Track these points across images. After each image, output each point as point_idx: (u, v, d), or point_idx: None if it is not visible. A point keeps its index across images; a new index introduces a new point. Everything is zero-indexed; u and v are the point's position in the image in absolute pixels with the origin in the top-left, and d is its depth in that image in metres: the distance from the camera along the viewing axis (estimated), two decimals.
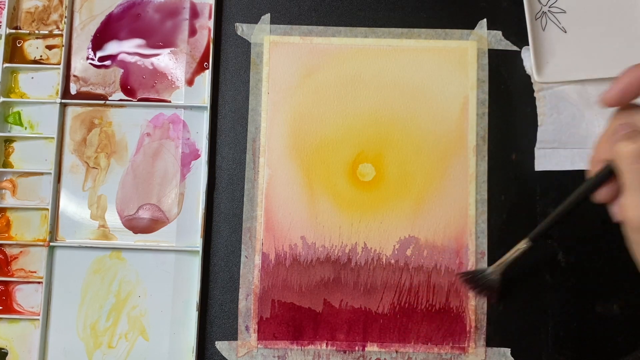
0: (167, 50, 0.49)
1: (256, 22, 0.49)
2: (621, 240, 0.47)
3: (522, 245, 0.41)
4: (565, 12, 0.48)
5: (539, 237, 0.39)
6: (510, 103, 0.48)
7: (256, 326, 0.46)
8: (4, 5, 0.49)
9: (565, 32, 0.47)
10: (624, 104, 0.32)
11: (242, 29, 0.49)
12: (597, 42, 0.47)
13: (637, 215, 0.30)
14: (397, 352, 0.46)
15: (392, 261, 0.46)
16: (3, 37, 0.48)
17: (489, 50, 0.48)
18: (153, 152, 0.48)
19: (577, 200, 0.35)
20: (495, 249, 0.46)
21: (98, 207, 0.47)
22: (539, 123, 0.47)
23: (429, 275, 0.46)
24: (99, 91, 0.49)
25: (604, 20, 0.47)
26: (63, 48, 0.48)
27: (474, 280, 0.44)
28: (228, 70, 0.49)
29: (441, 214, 0.47)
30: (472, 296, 0.46)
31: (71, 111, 0.48)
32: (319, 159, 0.47)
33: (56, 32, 0.49)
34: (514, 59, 0.48)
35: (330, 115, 0.48)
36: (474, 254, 0.46)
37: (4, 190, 0.48)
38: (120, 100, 0.48)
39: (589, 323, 0.45)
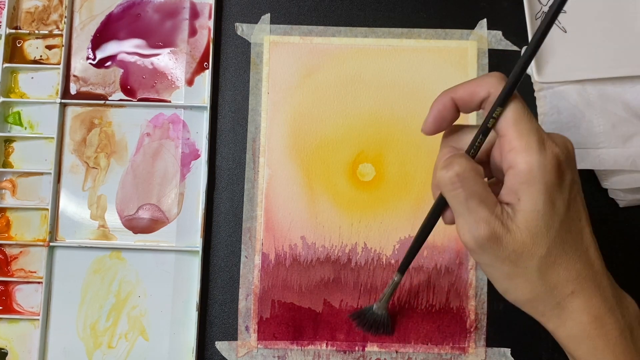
0: (167, 50, 0.49)
1: (256, 22, 0.49)
2: (620, 241, 0.47)
3: (395, 278, 0.41)
4: (565, 12, 0.48)
5: (405, 268, 0.40)
6: None
7: (256, 326, 0.46)
8: (4, 5, 0.49)
9: (565, 32, 0.47)
10: (442, 130, 0.33)
11: (242, 29, 0.49)
12: (597, 42, 0.47)
13: (467, 239, 0.30)
14: (397, 352, 0.46)
15: (392, 261, 0.46)
16: (3, 37, 0.48)
17: (489, 50, 0.48)
18: (153, 152, 0.48)
19: (428, 228, 0.36)
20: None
21: (98, 207, 0.47)
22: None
23: (429, 276, 0.46)
24: (99, 91, 0.49)
25: (604, 20, 0.47)
26: (63, 48, 0.48)
27: (364, 319, 0.44)
28: (228, 70, 0.49)
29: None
30: (472, 296, 0.46)
31: (71, 111, 0.48)
32: (319, 159, 0.47)
33: (56, 32, 0.49)
34: (514, 59, 0.48)
35: (330, 115, 0.48)
36: None
37: (3, 190, 0.48)
38: (120, 100, 0.48)
39: None
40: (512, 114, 0.30)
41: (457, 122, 0.34)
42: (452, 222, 0.33)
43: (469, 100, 0.32)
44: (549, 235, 0.30)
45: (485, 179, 0.32)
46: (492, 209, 0.30)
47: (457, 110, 0.32)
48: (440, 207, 0.34)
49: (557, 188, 0.29)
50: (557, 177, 0.29)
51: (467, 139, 0.32)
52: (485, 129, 0.31)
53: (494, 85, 0.31)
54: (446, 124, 0.33)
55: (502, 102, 0.30)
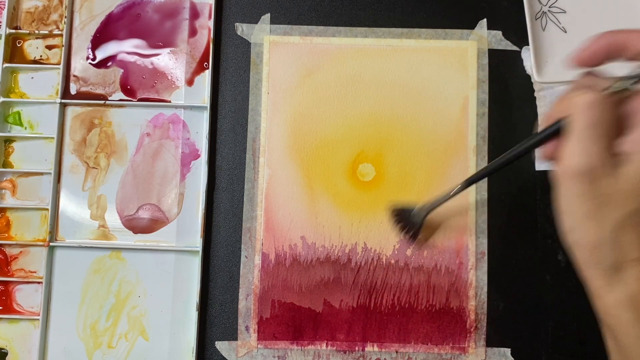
0: (167, 50, 0.49)
1: (256, 22, 0.49)
2: None
3: (456, 189, 0.40)
4: (565, 12, 0.48)
5: (472, 182, 0.39)
6: (510, 103, 0.48)
7: (256, 326, 0.46)
8: (4, 5, 0.49)
9: (565, 32, 0.47)
10: (593, 65, 0.33)
11: (242, 29, 0.49)
12: None
13: (575, 162, 0.30)
14: (397, 352, 0.46)
15: (392, 261, 0.46)
16: (3, 37, 0.48)
17: (489, 50, 0.48)
18: (153, 152, 0.48)
19: (524, 150, 0.36)
20: (495, 249, 0.46)
21: (98, 207, 0.47)
22: (539, 123, 0.47)
23: (429, 276, 0.46)
24: (99, 91, 0.49)
25: (604, 20, 0.47)
26: (63, 48, 0.48)
27: (400, 217, 0.43)
28: (228, 70, 0.49)
29: (441, 214, 0.46)
30: (472, 296, 0.46)
31: (71, 111, 0.48)
32: (319, 159, 0.47)
33: (56, 32, 0.49)
34: (514, 59, 0.48)
35: (330, 115, 0.48)
36: (474, 254, 0.46)
37: (4, 190, 0.48)
38: (120, 100, 0.48)
39: (589, 323, 0.45)
40: None
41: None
42: (550, 155, 0.33)
43: (635, 46, 0.32)
44: None
45: None
46: (610, 147, 0.30)
47: (613, 53, 0.32)
48: (548, 135, 0.33)
49: None
50: None
51: (604, 84, 0.32)
52: (635, 78, 0.31)
53: None
54: (597, 62, 0.33)
55: None
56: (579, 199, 0.31)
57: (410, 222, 0.43)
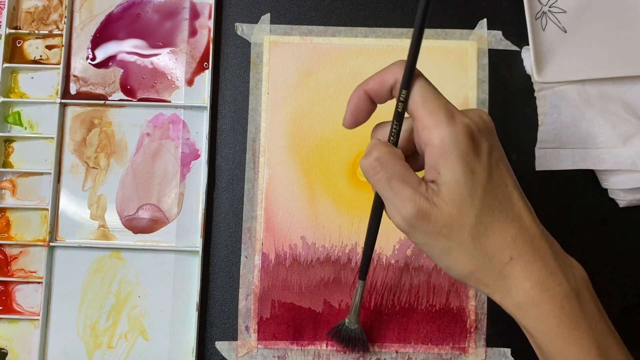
0: (167, 50, 0.49)
1: (256, 22, 0.49)
2: (620, 241, 0.47)
3: (357, 287, 0.41)
4: (565, 12, 0.48)
5: (366, 274, 0.40)
6: (510, 103, 0.48)
7: (256, 326, 0.46)
8: (4, 5, 0.49)
9: (565, 32, 0.47)
10: (361, 123, 0.34)
11: (242, 29, 0.49)
12: (597, 42, 0.47)
13: (398, 220, 0.31)
14: (397, 352, 0.46)
15: (392, 261, 0.46)
16: (3, 37, 0.48)
17: (489, 50, 0.48)
18: (153, 152, 0.48)
19: (374, 227, 0.37)
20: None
21: (98, 207, 0.47)
22: (539, 123, 0.47)
23: (429, 276, 0.46)
24: (99, 91, 0.49)
25: (604, 20, 0.47)
26: (63, 48, 0.48)
27: (340, 335, 0.43)
28: (228, 70, 0.49)
29: None
30: (472, 296, 0.46)
31: (71, 111, 0.48)
32: (319, 159, 0.47)
33: (56, 32, 0.49)
34: (514, 59, 0.48)
35: (330, 115, 0.48)
36: None
37: (3, 190, 0.48)
38: (120, 100, 0.48)
39: None
40: (418, 94, 0.31)
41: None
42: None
43: (380, 89, 0.33)
44: (474, 203, 0.30)
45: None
46: (416, 188, 0.30)
47: (372, 101, 0.33)
48: (380, 202, 0.34)
49: (474, 156, 0.30)
50: (471, 145, 0.30)
51: (384, 132, 0.34)
52: (397, 114, 0.32)
53: (398, 70, 0.31)
54: (363, 116, 0.34)
55: (406, 84, 0.31)
56: (428, 244, 0.31)
57: (352, 337, 0.43)
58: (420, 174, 0.32)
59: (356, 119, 0.34)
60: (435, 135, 0.30)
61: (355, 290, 0.42)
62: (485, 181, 0.30)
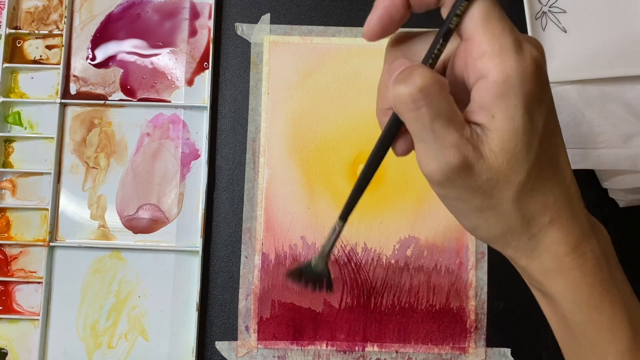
0: (167, 50, 0.49)
1: (256, 22, 0.49)
2: (620, 241, 0.47)
3: (336, 227, 0.33)
4: (565, 12, 0.48)
5: (347, 215, 0.32)
6: None
7: (256, 326, 0.46)
8: (4, 5, 0.49)
9: (565, 32, 0.47)
10: (388, 34, 0.28)
11: (242, 29, 0.49)
12: (597, 42, 0.47)
13: (432, 169, 0.25)
14: (397, 352, 0.46)
15: (392, 261, 0.46)
16: (3, 37, 0.48)
17: None
18: (153, 152, 0.48)
19: (375, 163, 0.29)
20: (495, 249, 0.46)
21: (98, 207, 0.47)
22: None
23: (429, 276, 0.46)
24: (99, 91, 0.49)
25: (604, 20, 0.47)
26: (63, 48, 0.48)
27: (301, 276, 0.37)
28: (228, 70, 0.49)
29: (441, 214, 0.46)
30: (472, 296, 0.46)
31: (71, 111, 0.48)
32: (319, 159, 0.47)
33: (56, 32, 0.49)
34: None
35: (330, 115, 0.48)
36: (474, 254, 0.46)
37: (3, 190, 0.48)
38: (120, 100, 0.48)
39: None
40: (480, 9, 0.24)
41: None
42: (405, 153, 0.28)
43: None
44: (528, 157, 0.25)
45: None
46: (462, 132, 0.24)
47: (408, 7, 0.27)
48: (391, 135, 0.27)
49: (537, 100, 0.24)
50: (537, 86, 0.24)
51: (420, 48, 0.27)
52: (447, 31, 0.25)
53: None
54: (393, 26, 0.27)
55: None
56: (460, 200, 0.26)
57: (317, 275, 0.39)
58: None
59: (384, 28, 0.27)
60: (497, 67, 0.23)
61: (330, 230, 0.33)
62: (542, 132, 0.25)
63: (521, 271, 0.29)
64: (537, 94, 0.24)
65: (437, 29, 0.26)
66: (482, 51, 0.24)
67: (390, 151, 0.29)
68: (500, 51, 0.24)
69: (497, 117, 0.24)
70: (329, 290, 0.38)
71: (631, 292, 0.28)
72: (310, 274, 0.36)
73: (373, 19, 0.27)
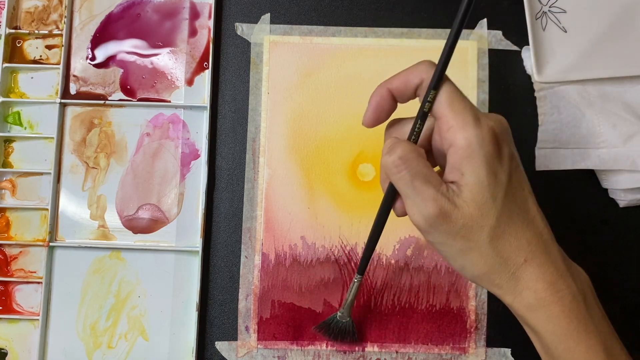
0: (167, 50, 0.49)
1: (256, 22, 0.49)
2: (620, 241, 0.47)
3: (355, 281, 0.41)
4: (565, 12, 0.48)
5: (364, 269, 0.40)
6: (510, 103, 0.48)
7: (256, 326, 0.46)
8: (4, 5, 0.49)
9: (565, 32, 0.47)
10: (381, 122, 0.34)
11: (242, 28, 0.49)
12: (597, 42, 0.47)
13: (418, 219, 0.31)
14: (397, 352, 0.46)
15: (392, 261, 0.46)
16: (3, 37, 0.48)
17: (489, 50, 0.48)
18: (153, 152, 0.48)
19: (381, 222, 0.37)
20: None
21: (98, 207, 0.47)
22: (539, 123, 0.47)
23: (429, 276, 0.46)
24: (99, 91, 0.48)
25: (604, 20, 0.47)
26: (63, 48, 0.48)
27: (329, 329, 0.44)
28: (228, 70, 0.49)
29: None
30: (472, 296, 0.46)
31: (71, 111, 0.48)
32: (319, 159, 0.47)
33: (56, 32, 0.49)
34: (514, 59, 0.48)
35: (330, 115, 0.48)
36: None
37: (3, 190, 0.48)
38: (120, 100, 0.48)
39: None
40: (445, 95, 0.31)
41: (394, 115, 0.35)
42: (403, 214, 0.34)
43: (404, 89, 0.33)
44: (495, 205, 0.30)
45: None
46: (438, 187, 0.31)
47: (394, 100, 0.34)
48: (390, 199, 0.34)
49: (497, 159, 0.30)
50: (495, 148, 0.30)
51: (407, 129, 0.34)
52: (422, 114, 0.32)
53: (426, 71, 0.32)
54: (385, 115, 0.34)
55: (435, 85, 0.31)
56: (445, 244, 0.32)
57: (342, 329, 0.44)
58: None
59: (378, 118, 0.34)
60: (461, 136, 0.30)
61: (351, 284, 0.42)
62: (506, 185, 0.31)
63: (510, 308, 0.33)
64: (496, 155, 0.30)
65: (415, 117, 0.33)
66: (450, 125, 0.31)
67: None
68: (463, 124, 0.30)
69: (465, 174, 0.30)
70: (355, 341, 0.45)
71: (609, 327, 0.32)
72: (337, 327, 0.44)
73: (369, 111, 0.34)
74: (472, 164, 0.30)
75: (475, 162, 0.30)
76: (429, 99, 0.32)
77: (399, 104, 0.34)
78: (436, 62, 0.32)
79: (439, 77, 0.31)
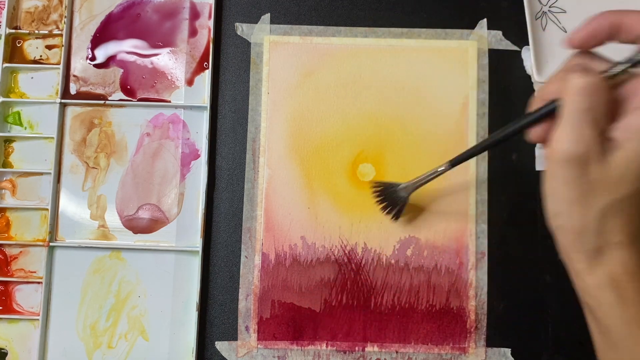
0: (167, 50, 0.49)
1: (256, 22, 0.49)
2: None
3: (442, 168, 0.40)
4: (565, 12, 0.48)
5: (458, 162, 0.39)
6: (510, 103, 0.48)
7: (256, 326, 0.46)
8: (4, 5, 0.49)
9: (565, 32, 0.47)
10: (589, 47, 0.32)
11: (242, 29, 0.49)
12: None
13: (564, 147, 0.30)
14: (397, 352, 0.46)
15: (392, 261, 0.46)
16: (3, 37, 0.48)
17: (489, 50, 0.48)
18: (153, 152, 0.48)
19: (512, 132, 0.35)
20: (495, 249, 0.46)
21: (98, 207, 0.47)
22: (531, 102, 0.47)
23: (429, 276, 0.46)
24: (99, 91, 0.48)
25: None
26: (63, 48, 0.48)
27: (385, 191, 0.43)
28: (228, 70, 0.49)
29: (441, 214, 0.46)
30: (472, 296, 0.46)
31: (71, 111, 0.48)
32: (319, 159, 0.47)
33: (56, 32, 0.49)
34: (514, 59, 0.48)
35: (330, 115, 0.48)
36: (474, 254, 0.46)
37: (3, 190, 0.48)
38: (120, 100, 0.48)
39: None
40: None
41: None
42: (538, 139, 0.33)
43: (631, 29, 0.31)
44: (635, 183, 0.30)
45: None
46: (603, 133, 0.30)
47: (609, 35, 0.32)
48: (539, 117, 0.32)
49: None
50: None
51: (599, 66, 0.32)
52: (633, 62, 0.31)
53: None
54: (594, 43, 0.32)
55: None
56: (567, 184, 0.31)
57: (395, 199, 0.43)
58: None
59: (587, 41, 0.32)
60: None
61: (435, 169, 0.41)
62: None
63: (575, 278, 0.32)
64: None
65: (614, 61, 0.32)
66: None
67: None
68: None
69: (631, 140, 0.30)
70: (395, 218, 0.44)
71: None
72: (392, 195, 0.43)
73: (583, 31, 0.32)
74: None
75: None
76: None
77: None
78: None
79: None
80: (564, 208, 0.31)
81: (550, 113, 0.32)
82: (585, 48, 0.33)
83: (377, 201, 0.44)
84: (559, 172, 0.31)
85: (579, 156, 0.30)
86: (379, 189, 0.44)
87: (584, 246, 0.31)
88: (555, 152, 0.30)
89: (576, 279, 0.32)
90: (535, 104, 0.33)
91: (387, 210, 0.44)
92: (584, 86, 0.30)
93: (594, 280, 0.31)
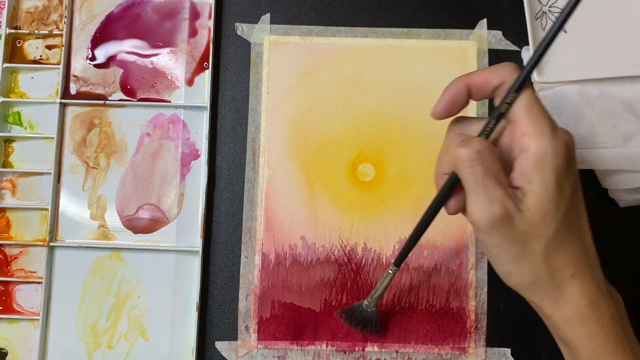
0: (167, 50, 0.49)
1: (256, 22, 0.49)
2: (621, 241, 0.47)
3: (389, 271, 0.41)
4: None
5: (401, 261, 0.40)
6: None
7: (256, 326, 0.46)
8: (4, 5, 0.49)
9: (565, 32, 0.47)
10: (451, 116, 0.34)
11: (242, 29, 0.49)
12: (597, 42, 0.47)
13: (480, 217, 0.31)
14: (397, 352, 0.46)
15: (392, 261, 0.46)
16: (3, 37, 0.48)
17: (489, 50, 0.48)
18: (153, 152, 0.48)
19: (430, 217, 0.36)
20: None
21: (98, 207, 0.47)
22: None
23: (429, 276, 0.46)
24: (99, 91, 0.49)
25: (604, 20, 0.47)
26: (63, 48, 0.48)
27: (352, 315, 0.44)
28: (228, 70, 0.49)
29: (441, 214, 0.46)
30: (472, 296, 0.46)
31: (71, 111, 0.48)
32: (319, 159, 0.47)
33: (56, 32, 0.49)
34: (514, 59, 0.48)
35: (330, 115, 0.48)
36: (474, 254, 0.46)
37: (3, 190, 0.48)
38: (120, 100, 0.48)
39: None
40: (525, 100, 0.31)
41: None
42: (455, 212, 0.34)
43: (483, 87, 0.32)
44: (556, 217, 0.31)
45: None
46: (506, 189, 0.30)
47: (468, 96, 0.33)
48: (446, 194, 0.34)
49: (565, 173, 0.30)
50: (566, 162, 0.30)
51: (474, 128, 0.33)
52: (499, 115, 0.32)
53: (508, 73, 0.32)
54: (456, 110, 0.33)
55: (518, 88, 0.31)
56: (501, 246, 0.32)
57: (365, 317, 0.44)
58: None
59: (449, 111, 0.33)
60: (536, 143, 0.30)
61: (385, 275, 0.42)
62: (569, 199, 0.31)
63: (546, 320, 0.34)
64: (566, 168, 0.30)
65: (487, 117, 0.33)
66: (525, 131, 0.31)
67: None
68: (540, 132, 0.30)
69: (533, 181, 0.30)
70: (376, 332, 0.45)
71: (639, 348, 0.33)
72: (361, 315, 0.44)
73: (441, 103, 0.33)
74: (542, 173, 0.30)
75: (546, 171, 0.30)
76: (508, 100, 0.31)
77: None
78: (519, 66, 0.32)
79: (523, 81, 0.31)
80: (511, 267, 0.32)
81: (453, 185, 0.33)
82: (451, 116, 0.34)
83: (351, 327, 0.45)
84: (490, 239, 0.32)
85: (500, 217, 0.30)
86: (347, 315, 0.44)
87: (545, 292, 0.32)
88: (477, 222, 0.31)
89: (548, 322, 0.34)
90: (437, 182, 0.34)
91: (365, 331, 0.44)
92: (472, 156, 0.30)
93: (562, 317, 0.32)
